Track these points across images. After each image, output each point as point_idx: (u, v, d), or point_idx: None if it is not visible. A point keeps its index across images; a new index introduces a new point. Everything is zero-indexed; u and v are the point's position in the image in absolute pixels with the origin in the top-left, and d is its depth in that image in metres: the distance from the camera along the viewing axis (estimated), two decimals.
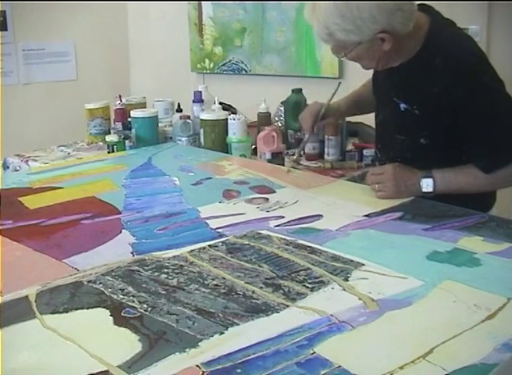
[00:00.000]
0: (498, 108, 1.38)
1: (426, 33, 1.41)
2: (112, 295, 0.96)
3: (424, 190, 1.42)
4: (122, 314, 0.90)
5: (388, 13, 1.31)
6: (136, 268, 1.06)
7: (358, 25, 1.31)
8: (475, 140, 1.40)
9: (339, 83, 1.69)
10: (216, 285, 0.99)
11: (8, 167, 2.33)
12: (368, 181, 1.47)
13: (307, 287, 0.97)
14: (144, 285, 0.99)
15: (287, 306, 0.91)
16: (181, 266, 1.07)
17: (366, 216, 1.30)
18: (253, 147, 2.09)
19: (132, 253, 1.13)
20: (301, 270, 1.03)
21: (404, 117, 1.48)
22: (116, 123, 2.42)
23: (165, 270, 1.05)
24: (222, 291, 0.97)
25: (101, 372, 0.76)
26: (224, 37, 3.04)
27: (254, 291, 0.96)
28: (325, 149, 2.13)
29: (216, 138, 2.08)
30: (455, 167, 1.43)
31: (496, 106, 1.38)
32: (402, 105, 1.47)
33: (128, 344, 0.82)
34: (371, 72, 1.61)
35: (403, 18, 1.33)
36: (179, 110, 2.41)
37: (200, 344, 0.81)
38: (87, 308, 0.92)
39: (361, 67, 1.50)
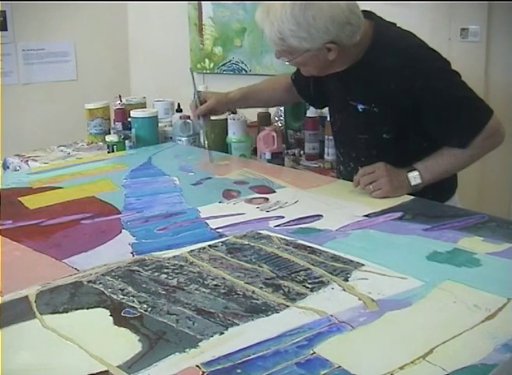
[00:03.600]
0: (454, 86, 1.45)
1: (371, 36, 1.47)
2: (112, 295, 0.96)
3: (413, 183, 1.45)
4: (122, 314, 0.90)
5: (339, 25, 1.37)
6: (136, 268, 1.06)
7: (311, 33, 1.37)
8: (442, 122, 1.45)
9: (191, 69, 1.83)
10: (216, 285, 0.99)
11: (8, 167, 2.33)
12: (360, 183, 1.46)
13: (307, 288, 0.97)
14: (143, 285, 0.99)
15: (287, 306, 0.91)
16: (181, 266, 1.07)
17: (366, 216, 1.30)
18: (253, 147, 2.09)
19: (132, 253, 1.13)
20: (301, 270, 1.03)
21: (364, 117, 1.53)
22: (116, 123, 2.43)
23: (165, 270, 1.05)
24: (222, 291, 0.96)
25: (101, 372, 0.76)
26: (224, 37, 3.05)
27: (254, 291, 0.96)
28: (325, 149, 2.13)
29: (216, 138, 2.08)
30: (432, 154, 1.48)
31: (452, 85, 1.45)
32: (359, 107, 1.52)
33: (128, 344, 0.82)
34: None
35: (350, 31, 1.40)
36: (179, 110, 2.41)
37: (200, 344, 0.81)
38: (87, 308, 0.92)
39: (303, 72, 1.57)
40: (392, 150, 1.51)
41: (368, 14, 1.48)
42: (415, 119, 1.47)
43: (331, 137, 2.10)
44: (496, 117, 1.45)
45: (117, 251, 1.14)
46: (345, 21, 1.37)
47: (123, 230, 1.25)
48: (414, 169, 1.46)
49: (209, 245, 1.16)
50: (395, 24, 1.54)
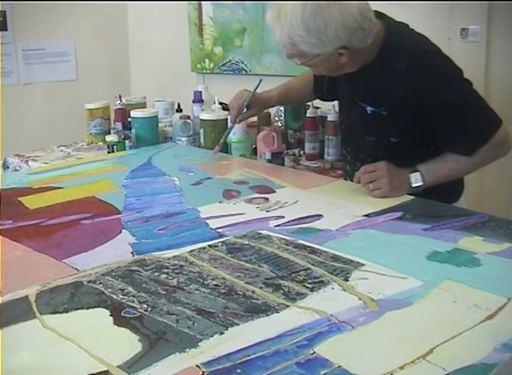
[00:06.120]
0: (464, 94, 1.44)
1: (383, 38, 1.45)
2: (112, 295, 0.96)
3: (414, 184, 1.45)
4: (122, 314, 0.90)
5: (350, 32, 1.36)
6: (136, 268, 1.06)
7: (322, 40, 1.36)
8: (449, 129, 1.44)
9: (261, 80, 1.78)
10: (216, 285, 0.99)
11: (8, 167, 2.33)
12: (361, 180, 1.46)
13: (307, 287, 0.97)
14: (143, 285, 0.99)
15: (287, 306, 0.91)
16: (181, 266, 1.07)
17: (366, 215, 1.30)
18: (253, 147, 2.09)
19: (132, 253, 1.13)
20: (301, 270, 1.03)
21: (372, 119, 1.52)
22: (116, 123, 2.42)
23: (165, 270, 1.05)
24: (222, 291, 0.97)
25: (101, 372, 0.76)
26: (224, 37, 3.05)
27: (254, 291, 0.96)
28: (325, 149, 2.13)
29: (216, 138, 2.08)
30: (436, 158, 1.47)
31: (461, 93, 1.44)
32: (368, 108, 1.52)
33: (128, 344, 0.82)
34: None
35: (362, 36, 1.39)
36: (179, 110, 2.41)
37: (200, 344, 0.81)
38: (87, 308, 0.92)
39: (314, 73, 1.58)
40: (399, 153, 1.50)
41: (378, 14, 1.46)
42: (423, 124, 1.45)
43: (331, 137, 2.10)
44: (504, 128, 1.44)
45: (117, 251, 1.14)
46: (357, 27, 1.36)
47: (123, 230, 1.25)
48: (417, 171, 1.45)
49: (209, 245, 1.16)
50: (407, 25, 1.52)
